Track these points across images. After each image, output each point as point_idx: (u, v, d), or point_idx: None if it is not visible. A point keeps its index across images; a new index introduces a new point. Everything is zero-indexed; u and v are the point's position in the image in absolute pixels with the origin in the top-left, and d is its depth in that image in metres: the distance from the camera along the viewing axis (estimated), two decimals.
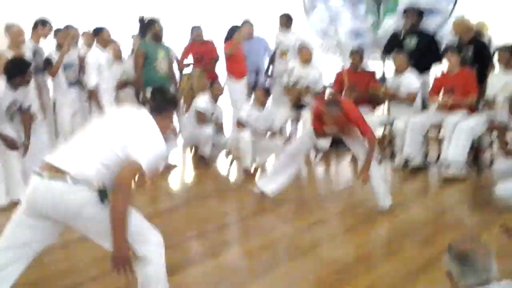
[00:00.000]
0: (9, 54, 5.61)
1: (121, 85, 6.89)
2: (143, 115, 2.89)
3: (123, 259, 2.68)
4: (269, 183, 5.13)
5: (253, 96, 7.06)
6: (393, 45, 6.91)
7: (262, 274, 3.68)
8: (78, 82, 6.35)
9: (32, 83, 5.60)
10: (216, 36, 7.97)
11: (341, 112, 4.59)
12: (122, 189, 2.65)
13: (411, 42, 6.81)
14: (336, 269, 3.70)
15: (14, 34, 5.78)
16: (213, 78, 7.37)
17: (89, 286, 3.59)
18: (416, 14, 6.90)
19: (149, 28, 6.82)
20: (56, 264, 3.95)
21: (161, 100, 3.05)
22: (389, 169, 6.52)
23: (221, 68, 7.78)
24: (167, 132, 5.84)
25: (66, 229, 4.56)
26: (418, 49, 6.72)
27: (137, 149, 2.71)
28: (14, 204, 5.13)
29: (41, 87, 6.20)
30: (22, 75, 5.11)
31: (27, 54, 5.89)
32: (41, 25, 6.35)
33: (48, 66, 6.20)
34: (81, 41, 7.14)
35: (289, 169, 5.13)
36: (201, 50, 7.66)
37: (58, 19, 6.92)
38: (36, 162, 2.94)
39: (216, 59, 7.76)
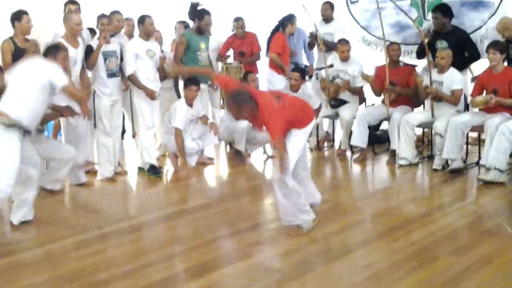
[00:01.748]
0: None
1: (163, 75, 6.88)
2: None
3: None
4: None
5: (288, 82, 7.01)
6: (424, 49, 6.71)
7: (294, 277, 3.64)
8: (118, 72, 6.23)
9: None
10: (255, 26, 7.91)
11: (251, 109, 4.10)
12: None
13: (442, 45, 6.59)
14: (370, 274, 3.63)
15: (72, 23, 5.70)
16: (250, 71, 7.31)
17: (122, 280, 3.60)
18: (441, 16, 6.69)
19: (197, 18, 6.80)
20: (91, 257, 3.99)
21: None
22: (427, 171, 6.39)
23: (262, 60, 7.74)
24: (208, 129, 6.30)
25: (102, 223, 4.67)
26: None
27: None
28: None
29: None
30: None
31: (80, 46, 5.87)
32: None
33: (89, 54, 6.13)
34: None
35: None
36: (242, 44, 7.59)
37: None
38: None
39: (258, 53, 7.69)
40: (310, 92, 7.17)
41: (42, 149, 5.11)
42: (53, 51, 4.96)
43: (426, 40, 6.57)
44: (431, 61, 6.50)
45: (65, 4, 6.32)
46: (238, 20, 7.62)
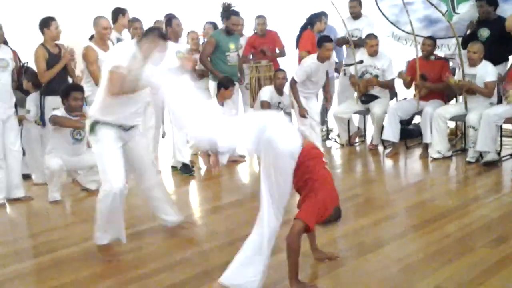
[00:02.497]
0: (95, 47, 5.80)
1: (199, 75, 6.97)
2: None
3: None
4: None
5: None
6: (468, 39, 6.64)
7: (326, 271, 3.65)
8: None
9: None
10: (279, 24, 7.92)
11: None
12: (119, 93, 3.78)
13: (484, 33, 6.53)
14: (403, 267, 3.62)
15: (100, 27, 5.87)
16: (277, 68, 7.32)
17: (159, 276, 3.67)
18: (486, 4, 6.61)
19: (225, 18, 6.88)
20: (128, 254, 4.07)
21: None
22: (461, 164, 6.33)
23: (289, 58, 7.75)
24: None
25: (138, 221, 4.76)
26: (491, 41, 6.44)
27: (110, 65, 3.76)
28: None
29: None
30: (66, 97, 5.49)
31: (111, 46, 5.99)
32: (121, 15, 6.43)
33: None
34: None
35: None
36: (264, 42, 7.60)
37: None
38: None
39: (281, 51, 7.71)
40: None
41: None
42: None
43: (468, 31, 6.53)
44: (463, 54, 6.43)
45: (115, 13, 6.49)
46: (260, 17, 7.65)
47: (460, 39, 6.60)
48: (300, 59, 7.35)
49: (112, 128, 3.89)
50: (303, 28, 7.52)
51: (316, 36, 7.35)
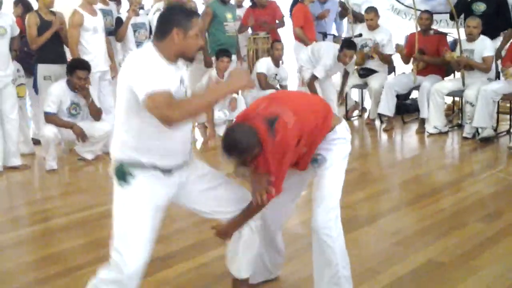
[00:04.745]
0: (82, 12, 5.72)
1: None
2: (139, 53, 2.53)
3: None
4: None
5: None
6: (460, 10, 6.61)
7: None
8: None
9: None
10: None
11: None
12: (176, 118, 2.28)
13: (479, 7, 6.48)
14: (397, 241, 3.65)
15: None
16: (276, 39, 7.26)
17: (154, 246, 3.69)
18: None
19: None
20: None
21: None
22: (457, 139, 6.34)
23: (287, 31, 7.68)
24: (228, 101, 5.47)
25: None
26: (487, 14, 6.40)
27: (138, 84, 2.32)
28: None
29: (111, 48, 6.25)
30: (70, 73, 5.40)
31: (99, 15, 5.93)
32: None
33: (118, 27, 6.18)
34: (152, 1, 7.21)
35: None
36: (263, 14, 7.46)
37: None
38: None
39: (280, 22, 7.63)
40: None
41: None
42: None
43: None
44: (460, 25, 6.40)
45: None
46: None
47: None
48: (296, 36, 7.29)
49: (149, 176, 2.50)
50: (295, 2, 7.43)
51: (308, 8, 7.27)
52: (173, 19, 2.43)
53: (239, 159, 2.55)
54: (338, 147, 2.82)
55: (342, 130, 2.85)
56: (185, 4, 5.03)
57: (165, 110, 2.26)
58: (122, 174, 2.50)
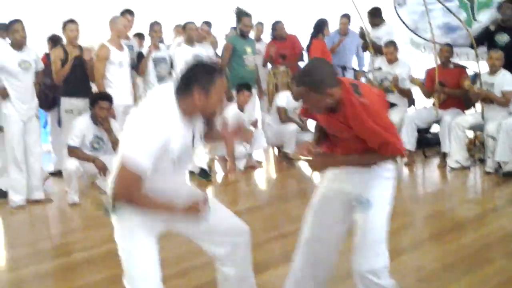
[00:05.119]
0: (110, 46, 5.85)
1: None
2: (148, 103, 2.44)
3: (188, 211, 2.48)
4: None
5: None
6: (483, 40, 6.64)
7: (344, 278, 3.62)
8: (169, 78, 6.35)
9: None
10: (295, 27, 7.92)
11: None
12: (125, 200, 2.39)
13: (502, 38, 6.50)
14: (421, 277, 3.61)
15: (118, 25, 5.93)
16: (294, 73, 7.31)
17: (175, 280, 3.68)
18: (510, 8, 6.58)
19: (237, 21, 6.93)
20: None
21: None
22: (479, 174, 6.28)
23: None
24: (252, 133, 5.48)
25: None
26: (510, 47, 6.42)
27: (126, 149, 2.32)
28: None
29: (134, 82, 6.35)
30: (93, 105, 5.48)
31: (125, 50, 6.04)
32: (128, 15, 6.37)
33: (140, 61, 6.29)
34: (173, 35, 7.36)
35: None
36: (283, 47, 7.56)
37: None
38: None
39: (300, 55, 7.70)
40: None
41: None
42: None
43: (490, 26, 6.53)
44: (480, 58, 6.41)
45: (122, 13, 6.42)
46: (278, 23, 7.65)
47: (480, 48, 6.57)
48: None
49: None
50: (313, 36, 7.51)
51: (325, 42, 7.33)
52: (195, 78, 2.38)
53: (307, 88, 2.48)
54: (387, 188, 2.78)
55: (393, 171, 2.78)
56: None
57: (127, 188, 2.34)
58: (114, 206, 2.50)
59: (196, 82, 2.37)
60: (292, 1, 9.14)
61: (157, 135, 2.30)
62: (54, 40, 6.71)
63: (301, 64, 7.70)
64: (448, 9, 6.88)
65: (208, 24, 7.47)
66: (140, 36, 7.02)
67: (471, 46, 6.78)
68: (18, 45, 5.40)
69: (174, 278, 3.72)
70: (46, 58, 6.32)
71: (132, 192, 2.34)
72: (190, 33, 6.43)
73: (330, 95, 2.47)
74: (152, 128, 2.31)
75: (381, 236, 2.70)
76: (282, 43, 7.57)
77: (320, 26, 7.41)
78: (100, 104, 5.52)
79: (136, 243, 2.54)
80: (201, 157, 6.45)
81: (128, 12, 6.33)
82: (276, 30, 7.57)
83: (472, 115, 6.71)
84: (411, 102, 7.47)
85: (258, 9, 7.62)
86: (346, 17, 7.70)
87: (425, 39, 7.76)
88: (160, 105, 2.40)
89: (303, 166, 6.99)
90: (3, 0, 7.72)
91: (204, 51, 6.52)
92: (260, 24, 7.74)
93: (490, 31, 6.73)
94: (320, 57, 7.09)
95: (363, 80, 7.84)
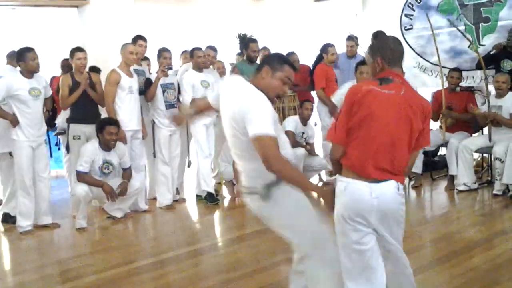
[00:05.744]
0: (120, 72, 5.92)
1: None
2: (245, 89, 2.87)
3: (325, 195, 2.89)
4: None
5: None
6: (489, 63, 6.68)
7: None
8: (177, 103, 6.37)
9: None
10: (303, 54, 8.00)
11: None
12: (276, 165, 2.66)
13: (507, 64, 6.54)
14: None
15: (126, 53, 5.97)
16: (305, 99, 7.34)
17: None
18: None
19: (244, 47, 7.00)
20: (152, 282, 4.09)
21: None
22: (487, 196, 6.26)
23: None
24: None
25: (162, 249, 4.79)
26: None
27: (253, 124, 2.68)
28: None
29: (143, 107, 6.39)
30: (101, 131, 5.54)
31: (134, 77, 6.10)
32: (141, 40, 6.37)
33: (148, 87, 6.34)
34: (180, 61, 7.43)
35: None
36: (296, 78, 7.57)
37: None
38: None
39: (310, 83, 7.74)
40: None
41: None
42: None
43: (492, 51, 6.57)
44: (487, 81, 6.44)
45: (134, 39, 6.42)
46: (292, 55, 7.71)
47: (486, 71, 6.60)
48: (319, 97, 7.35)
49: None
50: (316, 62, 7.54)
51: (328, 67, 7.36)
52: (267, 60, 2.97)
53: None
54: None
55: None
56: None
57: (274, 152, 2.67)
58: (267, 191, 2.86)
59: (267, 63, 2.93)
60: (295, 25, 9.26)
61: (268, 106, 2.77)
62: (64, 68, 6.79)
63: (311, 92, 7.77)
64: (459, 30, 6.93)
65: (212, 48, 7.55)
66: (145, 59, 7.05)
67: (478, 67, 6.81)
68: (30, 72, 5.48)
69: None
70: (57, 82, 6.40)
71: (278, 155, 2.66)
72: (198, 60, 6.49)
73: (377, 64, 2.95)
74: (262, 103, 2.76)
75: None
76: (295, 74, 7.57)
77: (321, 53, 7.46)
78: (108, 129, 5.58)
79: (298, 195, 2.89)
80: (208, 181, 6.47)
81: (140, 38, 6.40)
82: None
83: (479, 137, 6.72)
84: None
85: (262, 35, 7.67)
86: (352, 39, 7.74)
87: (431, 63, 7.80)
88: (248, 87, 2.85)
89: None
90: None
91: (212, 77, 6.57)
92: (265, 48, 7.80)
93: (496, 55, 6.77)
94: (324, 85, 7.20)
95: None
